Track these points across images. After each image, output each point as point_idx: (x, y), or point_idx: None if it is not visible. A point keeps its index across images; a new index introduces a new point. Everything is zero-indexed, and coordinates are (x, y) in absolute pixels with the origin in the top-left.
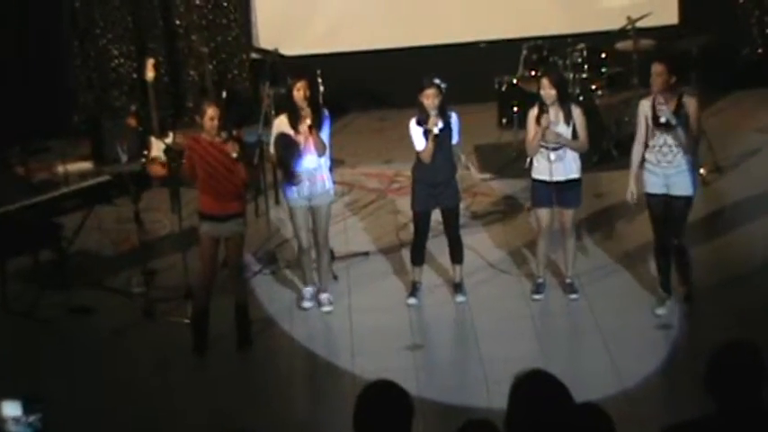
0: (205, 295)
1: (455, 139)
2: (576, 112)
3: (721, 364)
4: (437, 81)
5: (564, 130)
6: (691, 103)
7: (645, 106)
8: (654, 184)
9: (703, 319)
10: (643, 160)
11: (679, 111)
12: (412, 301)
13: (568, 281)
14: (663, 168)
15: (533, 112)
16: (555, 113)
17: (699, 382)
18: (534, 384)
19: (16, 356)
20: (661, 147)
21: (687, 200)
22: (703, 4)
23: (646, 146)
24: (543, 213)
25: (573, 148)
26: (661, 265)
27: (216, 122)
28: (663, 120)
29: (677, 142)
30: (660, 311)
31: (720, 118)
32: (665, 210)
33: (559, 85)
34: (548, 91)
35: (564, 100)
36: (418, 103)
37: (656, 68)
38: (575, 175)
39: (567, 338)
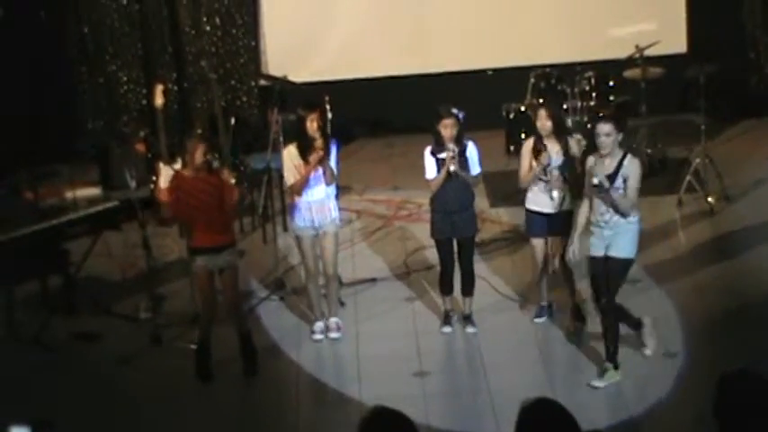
0: (207, 326)
1: (476, 170)
2: (572, 142)
3: (729, 392)
4: (455, 111)
5: (560, 162)
6: (633, 165)
7: (591, 161)
8: (595, 246)
9: (711, 348)
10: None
11: (618, 171)
12: (446, 329)
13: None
14: (601, 228)
15: (528, 144)
16: (551, 146)
17: (706, 411)
18: (541, 413)
19: (24, 382)
20: (599, 206)
21: (625, 262)
22: (712, 33)
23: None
24: (539, 244)
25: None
26: (606, 334)
27: (207, 157)
28: (595, 181)
29: (615, 209)
30: (598, 384)
31: (729, 146)
32: (604, 270)
33: (556, 117)
34: (544, 122)
35: (560, 133)
36: (434, 132)
37: (604, 129)
38: (567, 207)
39: (573, 366)
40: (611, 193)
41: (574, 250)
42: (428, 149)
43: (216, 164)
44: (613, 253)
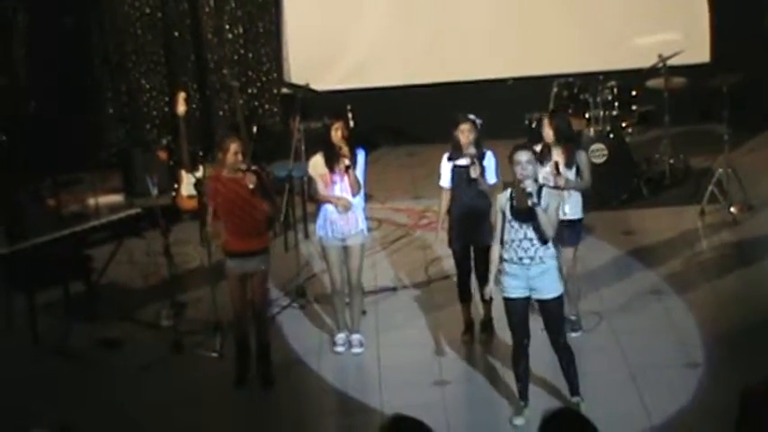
0: (241, 330)
1: (493, 179)
2: (581, 155)
3: (754, 403)
4: (471, 116)
5: (564, 173)
6: (551, 195)
7: (502, 200)
8: (514, 288)
9: (733, 358)
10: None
11: (539, 199)
12: (467, 338)
13: (573, 317)
14: (524, 267)
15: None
16: (556, 154)
17: (729, 422)
18: (562, 422)
19: (45, 388)
20: (521, 241)
21: (560, 299)
22: (735, 43)
23: (503, 243)
24: None
25: (576, 189)
26: (519, 372)
27: (240, 157)
28: (529, 189)
29: (538, 234)
30: (518, 422)
31: (752, 156)
32: (526, 310)
33: (559, 127)
34: (546, 131)
35: (566, 143)
36: (452, 139)
37: (524, 156)
38: (570, 216)
39: (595, 376)
40: (539, 210)
41: (491, 290)
42: (446, 155)
43: (243, 167)
44: (545, 295)
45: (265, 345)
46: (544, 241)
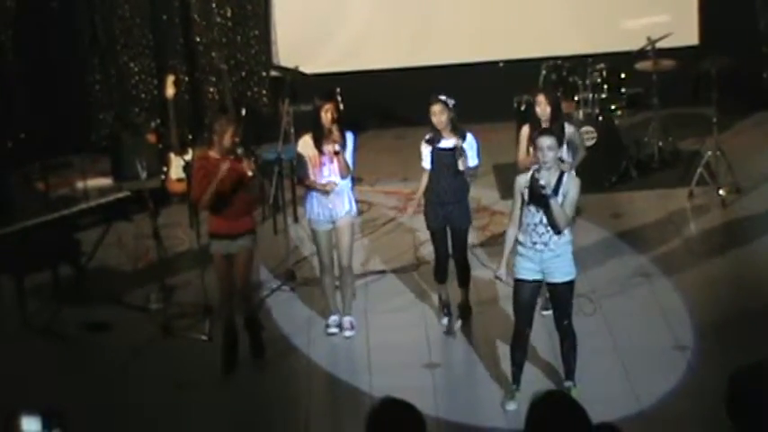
0: (228, 312)
1: (474, 162)
2: (570, 130)
3: (743, 386)
4: (442, 97)
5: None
6: (573, 181)
7: (521, 181)
8: (526, 270)
9: (721, 340)
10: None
11: (557, 188)
12: (445, 321)
13: None
14: (538, 252)
15: (525, 130)
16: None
17: (718, 405)
18: (551, 405)
19: (34, 372)
20: (536, 226)
21: (572, 284)
22: (724, 25)
23: (520, 226)
24: None
25: (576, 164)
26: (516, 357)
27: (236, 141)
28: (542, 182)
29: (551, 224)
30: (510, 407)
31: (740, 139)
32: (535, 296)
33: (555, 103)
34: (543, 108)
35: (556, 118)
36: (430, 122)
37: (546, 142)
38: None
39: (584, 359)
40: (552, 202)
41: (502, 274)
42: (425, 139)
43: (240, 150)
44: (559, 278)
45: (253, 317)
46: (557, 231)
